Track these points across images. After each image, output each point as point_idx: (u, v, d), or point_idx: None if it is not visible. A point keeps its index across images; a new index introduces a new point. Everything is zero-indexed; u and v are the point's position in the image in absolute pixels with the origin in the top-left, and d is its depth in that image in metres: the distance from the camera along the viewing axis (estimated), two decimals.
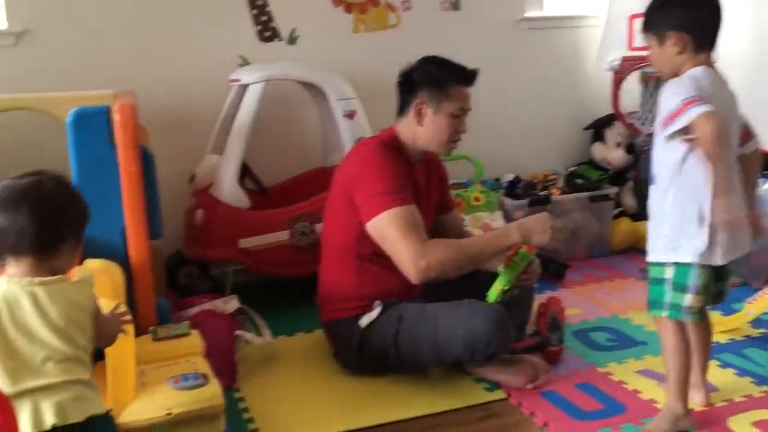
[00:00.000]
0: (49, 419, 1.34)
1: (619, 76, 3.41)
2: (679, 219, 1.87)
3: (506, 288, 2.15)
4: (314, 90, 3.00)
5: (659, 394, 2.14)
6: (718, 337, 2.51)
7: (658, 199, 1.93)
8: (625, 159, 3.56)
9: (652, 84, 3.35)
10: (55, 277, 1.42)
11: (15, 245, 1.38)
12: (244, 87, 2.81)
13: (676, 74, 1.89)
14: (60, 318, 1.39)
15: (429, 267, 2.10)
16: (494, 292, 2.15)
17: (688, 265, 1.87)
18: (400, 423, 2.06)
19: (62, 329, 1.39)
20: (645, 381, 2.24)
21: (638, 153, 3.54)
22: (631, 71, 3.39)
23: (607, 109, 3.54)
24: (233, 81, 2.89)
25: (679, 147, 1.84)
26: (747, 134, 1.98)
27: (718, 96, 1.83)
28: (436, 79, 2.23)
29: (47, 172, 1.47)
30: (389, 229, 2.12)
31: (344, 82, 2.94)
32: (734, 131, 1.90)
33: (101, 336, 1.50)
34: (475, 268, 2.19)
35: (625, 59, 3.38)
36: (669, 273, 1.91)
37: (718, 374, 2.26)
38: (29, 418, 1.33)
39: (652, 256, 1.97)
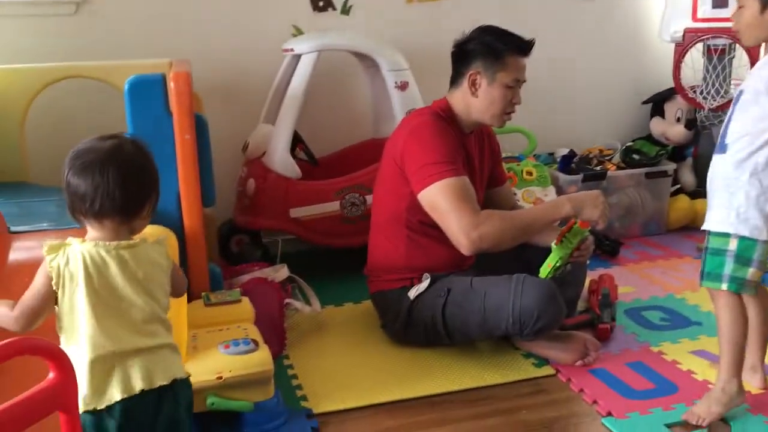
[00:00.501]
0: (138, 384, 1.37)
1: (682, 48, 3.29)
2: (756, 192, 1.81)
3: (558, 264, 2.12)
4: (367, 60, 2.98)
5: (714, 375, 2.09)
6: None
7: (731, 168, 1.87)
8: (685, 135, 3.44)
9: (716, 57, 3.22)
10: (137, 239, 1.44)
11: (100, 208, 1.37)
12: (297, 57, 2.81)
13: (758, 43, 1.86)
14: (146, 280, 1.41)
15: (482, 238, 2.08)
16: (546, 268, 2.12)
17: (754, 239, 1.82)
18: (448, 395, 2.06)
19: (149, 291, 1.42)
20: (699, 361, 2.19)
21: (699, 129, 3.42)
22: (695, 43, 3.26)
23: (667, 83, 3.42)
24: (286, 50, 2.89)
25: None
26: None
27: None
28: (492, 48, 2.19)
29: (123, 135, 1.47)
30: (441, 199, 2.11)
31: (397, 53, 2.91)
32: None
33: (173, 291, 1.52)
34: (527, 240, 2.17)
35: (688, 30, 3.26)
36: (733, 245, 1.86)
37: None
38: (119, 384, 1.36)
39: (716, 225, 1.90)
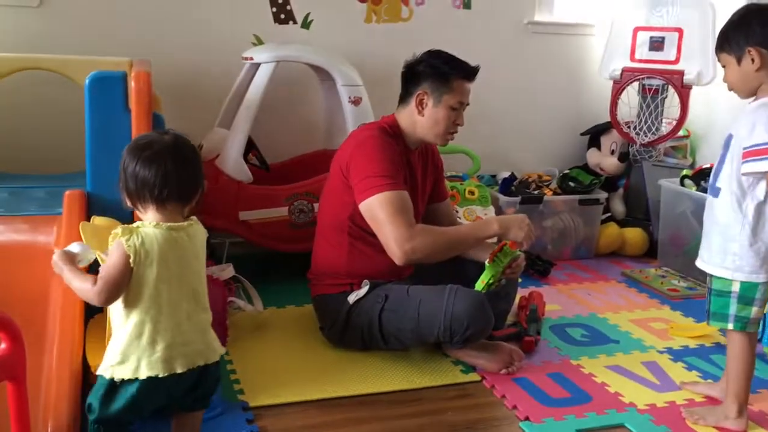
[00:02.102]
0: (180, 366, 1.55)
1: (619, 85, 3.51)
2: (750, 241, 1.94)
3: (491, 281, 2.26)
4: (323, 74, 3.10)
5: (626, 388, 2.26)
6: (687, 342, 2.64)
7: (725, 214, 1.98)
8: (618, 166, 3.66)
9: (650, 96, 3.45)
10: (191, 220, 1.61)
11: (167, 195, 1.53)
12: (256, 65, 2.90)
13: (752, 93, 1.96)
14: (202, 256, 1.61)
15: (414, 250, 2.21)
16: (480, 284, 2.27)
17: (755, 282, 1.96)
18: (378, 395, 2.17)
19: (203, 266, 1.61)
20: (614, 375, 2.35)
21: (631, 162, 3.64)
22: (631, 82, 3.49)
23: (605, 117, 3.64)
24: (246, 59, 2.98)
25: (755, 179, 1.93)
26: None
27: None
28: (441, 72, 2.33)
29: (171, 130, 1.63)
30: (379, 211, 2.23)
31: (352, 69, 3.03)
32: None
33: None
34: (458, 254, 2.32)
35: (625, 69, 3.49)
36: (736, 287, 1.98)
37: (684, 375, 2.38)
38: (161, 365, 1.52)
39: (716, 271, 2.02)
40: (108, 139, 2.18)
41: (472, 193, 3.32)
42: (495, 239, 2.39)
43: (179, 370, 1.54)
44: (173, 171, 1.53)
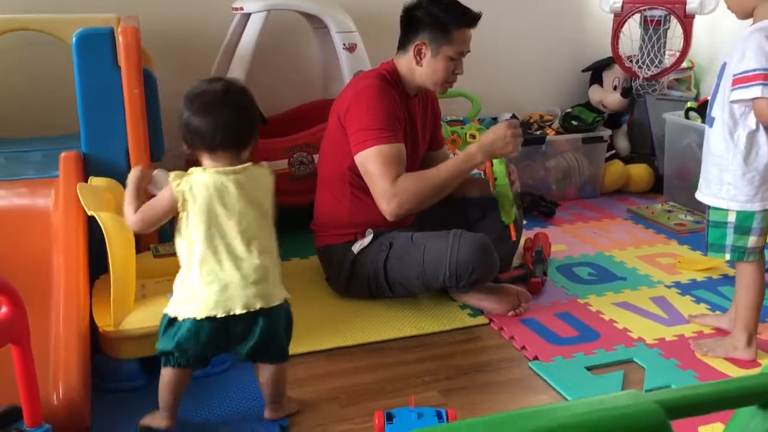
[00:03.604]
0: (237, 307, 1.58)
1: (620, 18, 3.42)
2: (743, 170, 1.93)
3: (511, 203, 2.23)
4: (316, 21, 3.03)
5: (634, 324, 2.26)
6: (695, 275, 2.63)
7: (720, 144, 1.97)
8: (621, 102, 3.61)
9: (652, 28, 3.36)
10: (246, 164, 1.61)
11: (213, 141, 1.57)
12: (247, 15, 2.84)
13: (748, 15, 1.92)
14: (263, 200, 1.63)
15: (400, 205, 2.19)
16: (505, 213, 2.24)
17: (750, 210, 1.95)
18: (386, 342, 2.18)
19: (261, 209, 1.63)
20: (621, 312, 2.35)
21: (635, 97, 3.58)
22: (632, 14, 3.40)
23: (606, 52, 3.56)
24: (236, 9, 2.92)
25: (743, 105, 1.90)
26: None
27: None
28: (439, 21, 2.26)
29: (230, 78, 1.67)
30: (371, 164, 2.20)
31: (346, 15, 2.96)
32: None
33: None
34: (446, 194, 2.28)
35: (626, 1, 3.40)
36: (732, 217, 1.98)
37: (692, 308, 2.38)
38: (214, 306, 1.57)
39: (712, 201, 2.01)
40: (99, 98, 2.15)
41: (473, 137, 3.28)
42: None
43: (237, 311, 1.58)
44: (222, 119, 1.56)
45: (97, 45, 2.12)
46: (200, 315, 1.58)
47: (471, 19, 2.29)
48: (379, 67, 2.41)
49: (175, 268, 2.07)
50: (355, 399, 1.88)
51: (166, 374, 1.66)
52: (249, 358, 1.69)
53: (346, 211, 2.38)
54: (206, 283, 1.58)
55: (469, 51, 2.33)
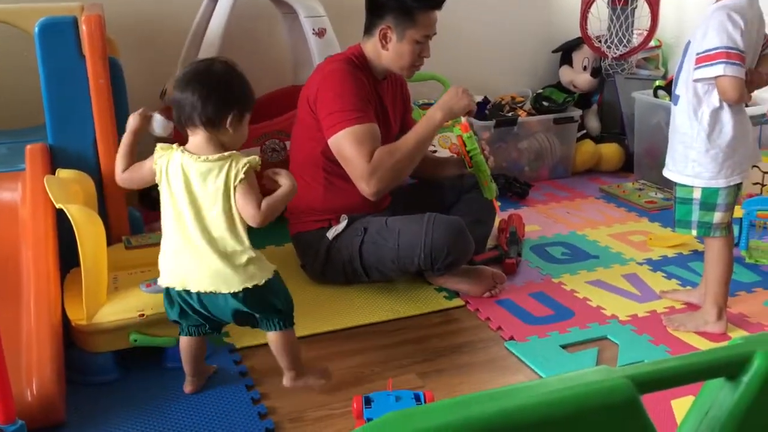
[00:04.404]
0: (187, 284, 1.67)
1: None
2: (706, 147, 1.96)
3: (489, 178, 2.25)
4: (284, 6, 3.00)
5: (607, 302, 2.29)
6: (666, 252, 2.67)
7: (684, 121, 1.99)
8: (591, 82, 3.63)
9: (620, 7, 3.38)
10: (225, 155, 1.62)
11: (189, 117, 1.61)
12: (215, 1, 2.80)
13: None
14: (217, 195, 1.61)
15: (379, 180, 2.19)
16: (486, 189, 2.25)
17: (716, 187, 1.98)
18: (364, 327, 2.18)
19: (216, 204, 1.61)
20: (595, 290, 2.38)
21: (604, 77, 3.60)
22: None
23: (575, 32, 3.58)
24: None
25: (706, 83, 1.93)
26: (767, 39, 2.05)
27: (755, 28, 1.91)
28: (404, 5, 2.24)
29: (221, 57, 1.71)
30: (346, 146, 2.19)
31: (314, 0, 2.94)
32: (757, 49, 1.98)
33: (243, 214, 1.65)
34: (420, 159, 2.28)
35: None
36: (697, 193, 2.01)
37: (663, 284, 2.41)
38: (167, 278, 1.69)
39: (678, 178, 2.05)
40: (64, 89, 2.10)
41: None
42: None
43: (178, 288, 1.68)
44: (193, 95, 1.59)
45: (60, 34, 2.07)
46: (163, 284, 1.71)
47: (435, 1, 2.28)
48: (346, 51, 2.40)
49: (148, 259, 2.06)
50: (333, 384, 1.88)
51: (180, 342, 1.79)
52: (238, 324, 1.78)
53: (320, 197, 2.37)
54: (163, 256, 1.70)
55: (435, 33, 2.32)
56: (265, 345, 2.06)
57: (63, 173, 2.04)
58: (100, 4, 2.37)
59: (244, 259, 1.65)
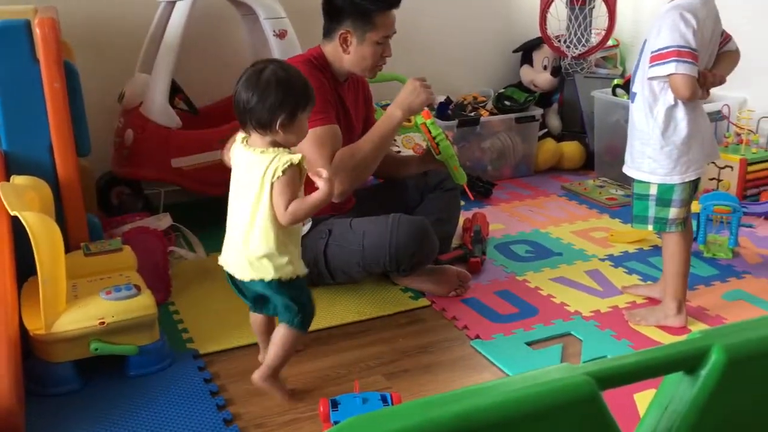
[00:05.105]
0: (226, 265, 1.80)
1: None
2: (661, 144, 1.99)
3: (458, 163, 2.27)
4: (244, 8, 2.97)
5: (571, 298, 2.32)
6: (627, 247, 2.71)
7: (642, 118, 2.02)
8: (551, 82, 3.67)
9: (578, 7, 3.43)
10: (264, 149, 1.67)
11: (242, 121, 1.68)
12: (172, 3, 2.76)
13: None
14: (258, 184, 1.65)
15: (342, 181, 2.17)
16: (457, 175, 2.26)
17: (671, 183, 2.02)
18: (331, 329, 2.17)
19: (254, 195, 1.66)
20: (558, 287, 2.41)
21: (564, 76, 3.65)
22: None
23: (536, 33, 3.62)
24: None
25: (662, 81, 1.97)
26: (726, 37, 2.08)
27: (708, 27, 1.94)
28: (361, 8, 2.23)
29: (276, 61, 1.75)
30: (306, 149, 2.17)
31: (274, 0, 2.91)
32: (714, 47, 2.02)
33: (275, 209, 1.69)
34: (380, 160, 2.28)
35: None
36: (653, 189, 2.05)
37: (625, 280, 2.45)
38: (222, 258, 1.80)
39: (635, 174, 2.08)
40: (18, 94, 2.06)
41: (408, 120, 3.27)
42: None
43: (227, 269, 1.79)
44: (243, 99, 1.66)
45: (12, 38, 2.02)
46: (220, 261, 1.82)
47: (392, 1, 2.28)
48: (305, 53, 2.39)
49: (108, 266, 2.03)
50: (299, 388, 1.87)
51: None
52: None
53: None
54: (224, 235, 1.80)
55: (395, 32, 2.33)
56: (229, 350, 2.06)
57: (18, 180, 1.99)
58: (54, 8, 2.32)
59: (260, 253, 1.69)
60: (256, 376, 1.81)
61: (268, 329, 1.89)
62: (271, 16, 2.87)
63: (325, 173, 1.67)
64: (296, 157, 1.65)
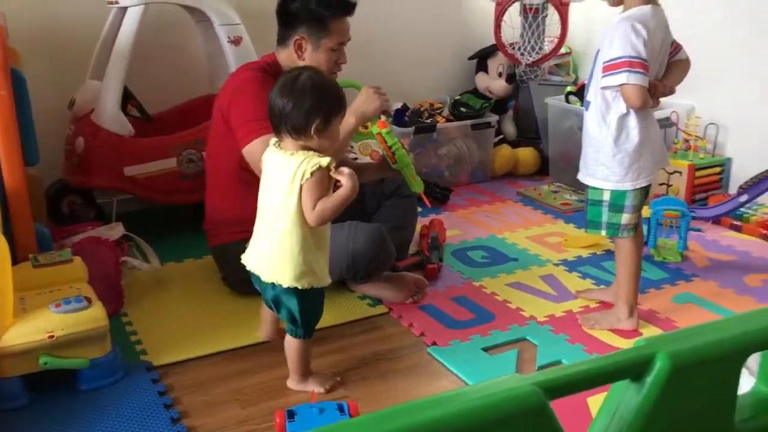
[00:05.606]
0: (249, 264, 1.85)
1: (501, 7, 3.52)
2: (614, 152, 2.03)
3: (414, 171, 2.28)
4: (198, 14, 2.94)
5: (526, 303, 2.35)
6: (581, 252, 2.76)
7: (595, 126, 2.06)
8: (506, 88, 3.72)
9: (531, 15, 3.48)
10: (294, 152, 1.71)
11: (277, 127, 1.72)
12: (123, 9, 2.72)
13: (619, 2, 2.02)
14: (284, 187, 1.70)
15: None
16: (412, 181, 2.26)
17: (622, 189, 2.06)
18: None
19: (282, 198, 1.71)
20: (514, 292, 2.43)
21: (518, 83, 3.69)
22: (512, 2, 3.50)
23: (491, 40, 3.65)
24: (111, 3, 2.78)
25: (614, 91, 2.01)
26: (677, 47, 2.13)
27: (658, 37, 1.98)
28: (316, 15, 2.23)
29: (310, 68, 1.80)
30: (260, 155, 2.15)
31: (228, 7, 2.89)
32: (664, 57, 2.07)
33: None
34: (337, 163, 2.25)
35: None
36: (606, 195, 2.09)
37: (579, 284, 2.49)
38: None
39: (589, 181, 2.12)
40: None
41: (365, 127, 3.27)
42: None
43: (248, 267, 1.84)
44: (278, 104, 1.70)
45: None
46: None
47: (347, 7, 2.28)
48: (259, 59, 2.38)
49: (57, 278, 1.99)
50: (255, 399, 1.86)
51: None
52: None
53: (238, 209, 2.33)
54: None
55: (349, 39, 2.33)
56: (184, 362, 2.03)
57: None
58: (2, 13, 2.27)
59: (283, 256, 1.73)
60: (290, 384, 1.90)
61: (275, 318, 1.96)
62: (225, 22, 2.85)
63: (347, 170, 1.70)
64: (324, 160, 1.68)
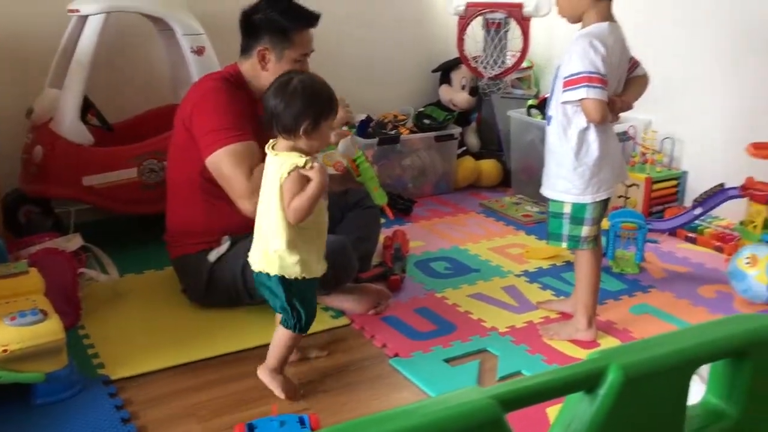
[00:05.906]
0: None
1: (464, 20, 3.55)
2: (574, 165, 2.06)
3: (378, 184, 2.27)
4: (161, 23, 2.92)
5: (488, 314, 2.37)
6: (541, 263, 2.79)
7: (556, 140, 2.10)
8: (470, 101, 3.76)
9: (494, 30, 3.52)
10: (279, 152, 1.80)
11: (270, 127, 1.79)
12: (84, 18, 2.68)
13: (578, 19, 2.06)
14: (273, 184, 1.77)
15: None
16: (377, 195, 2.25)
17: (583, 202, 2.09)
18: (248, 351, 2.14)
19: (270, 194, 1.80)
20: (476, 303, 2.46)
21: (481, 95, 3.74)
22: (475, 16, 3.54)
23: (454, 53, 3.69)
24: (72, 11, 2.75)
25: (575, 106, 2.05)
26: (634, 63, 2.17)
27: (616, 53, 2.03)
28: (279, 26, 2.23)
29: (305, 72, 1.91)
30: (224, 165, 2.15)
31: (191, 17, 2.87)
32: (622, 73, 2.11)
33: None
34: None
35: (469, 5, 3.52)
36: (567, 208, 2.12)
37: (539, 295, 2.52)
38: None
39: (551, 194, 2.15)
40: None
41: None
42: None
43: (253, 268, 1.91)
44: (271, 105, 1.78)
45: None
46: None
47: (310, 19, 2.28)
48: (222, 70, 2.37)
49: (12, 290, 1.95)
50: (215, 413, 1.84)
51: None
52: None
53: (200, 219, 2.32)
54: None
55: (313, 50, 2.33)
56: (143, 375, 2.00)
57: None
58: None
59: (273, 247, 1.81)
60: (259, 372, 1.94)
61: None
62: (188, 32, 2.83)
63: (317, 165, 1.76)
64: (301, 160, 1.75)
